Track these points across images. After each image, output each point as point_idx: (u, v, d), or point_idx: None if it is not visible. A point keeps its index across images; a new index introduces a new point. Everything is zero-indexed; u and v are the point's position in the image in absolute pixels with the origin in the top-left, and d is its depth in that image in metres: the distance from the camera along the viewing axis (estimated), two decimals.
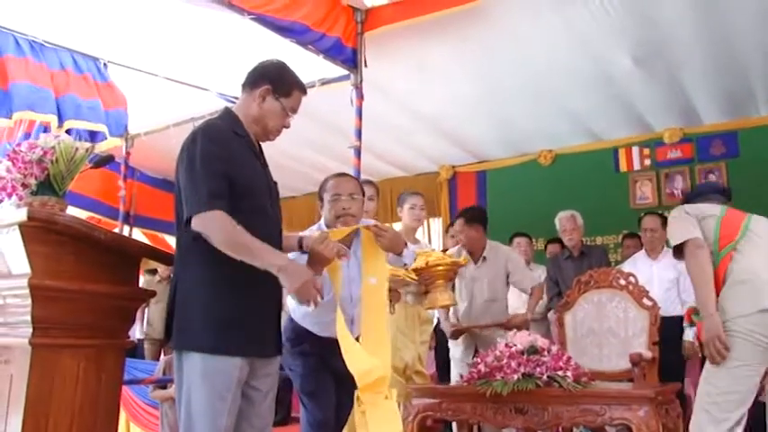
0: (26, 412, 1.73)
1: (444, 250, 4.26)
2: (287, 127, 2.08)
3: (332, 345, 2.18)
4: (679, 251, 2.59)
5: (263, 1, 3.49)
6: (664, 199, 5.59)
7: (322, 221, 2.62)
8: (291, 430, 4.90)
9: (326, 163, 5.70)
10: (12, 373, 1.81)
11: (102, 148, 4.32)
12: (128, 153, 5.65)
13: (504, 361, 2.56)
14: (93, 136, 4.36)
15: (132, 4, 3.66)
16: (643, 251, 4.44)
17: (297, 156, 5.92)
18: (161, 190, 6.47)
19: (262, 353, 1.93)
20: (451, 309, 3.84)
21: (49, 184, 2.05)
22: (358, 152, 4.04)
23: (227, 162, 1.86)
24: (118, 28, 3.96)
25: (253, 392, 1.93)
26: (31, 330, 1.78)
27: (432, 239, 6.60)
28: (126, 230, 5.86)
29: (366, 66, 4.15)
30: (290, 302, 2.59)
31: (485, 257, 3.92)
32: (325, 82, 4.25)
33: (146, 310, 6.54)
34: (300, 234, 2.26)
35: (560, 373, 2.49)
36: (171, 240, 5.69)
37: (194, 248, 1.85)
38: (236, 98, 2.20)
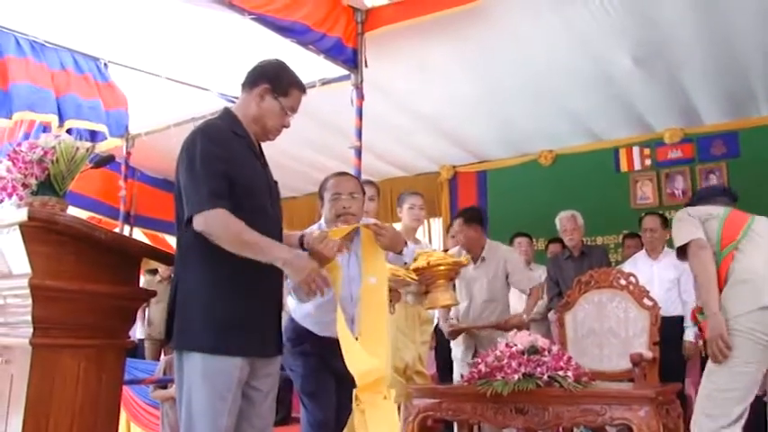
0: (27, 412, 1.74)
1: (445, 250, 4.26)
2: (286, 126, 2.08)
3: (332, 345, 2.18)
4: (683, 252, 2.64)
5: (263, 1, 3.49)
6: (664, 199, 5.60)
7: (322, 221, 2.62)
8: (292, 430, 4.90)
9: (327, 163, 5.69)
10: (12, 373, 1.81)
11: (102, 147, 4.32)
12: (128, 153, 5.65)
13: (505, 361, 2.55)
14: (94, 136, 4.36)
15: (133, 4, 3.66)
16: (643, 251, 4.44)
17: (297, 156, 5.92)
18: (162, 190, 6.46)
19: (262, 353, 1.93)
20: (452, 309, 3.84)
21: (49, 184, 2.04)
22: (358, 152, 4.04)
23: (227, 162, 1.86)
24: (118, 28, 3.97)
25: (253, 392, 1.92)
26: (31, 330, 1.78)
27: (432, 239, 6.59)
28: (126, 230, 5.86)
29: (366, 66, 4.15)
30: (290, 302, 2.59)
31: (483, 258, 3.92)
32: (325, 82, 4.25)
33: (146, 310, 6.55)
34: (301, 232, 2.26)
35: (561, 373, 2.49)
36: (171, 240, 5.68)
37: (195, 248, 1.85)
38: (237, 98, 2.20)
